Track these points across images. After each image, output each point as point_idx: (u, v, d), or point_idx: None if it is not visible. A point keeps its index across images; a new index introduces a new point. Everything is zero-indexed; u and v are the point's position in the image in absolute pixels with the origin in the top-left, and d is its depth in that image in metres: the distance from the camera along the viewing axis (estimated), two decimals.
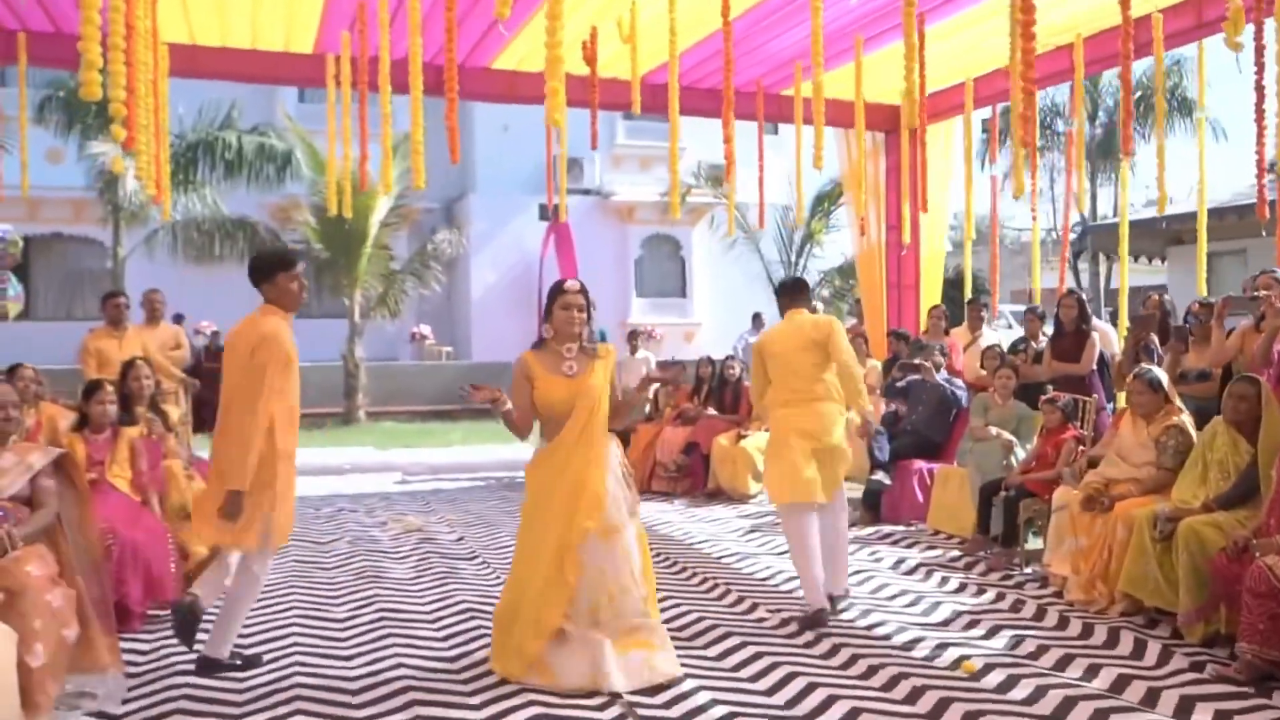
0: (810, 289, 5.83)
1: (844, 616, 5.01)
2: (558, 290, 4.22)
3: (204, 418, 15.18)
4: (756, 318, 14.66)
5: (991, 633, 4.74)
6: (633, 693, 3.86)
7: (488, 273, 20.68)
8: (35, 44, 7.90)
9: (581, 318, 4.15)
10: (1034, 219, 7.98)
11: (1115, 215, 18.89)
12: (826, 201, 17.52)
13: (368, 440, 13.89)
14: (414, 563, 6.28)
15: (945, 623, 4.93)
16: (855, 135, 10.85)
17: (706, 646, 4.54)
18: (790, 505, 4.97)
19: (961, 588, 5.60)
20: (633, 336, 11.59)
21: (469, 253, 19.64)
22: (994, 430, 6.90)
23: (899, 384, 8.06)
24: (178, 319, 14.10)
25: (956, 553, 6.49)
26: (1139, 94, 20.68)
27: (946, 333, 8.72)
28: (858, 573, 5.94)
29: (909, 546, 6.73)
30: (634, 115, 9.72)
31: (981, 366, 8.34)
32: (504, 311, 20.36)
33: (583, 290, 4.22)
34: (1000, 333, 9.32)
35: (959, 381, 7.83)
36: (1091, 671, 4.19)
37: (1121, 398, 6.69)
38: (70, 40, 4.65)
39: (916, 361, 7.74)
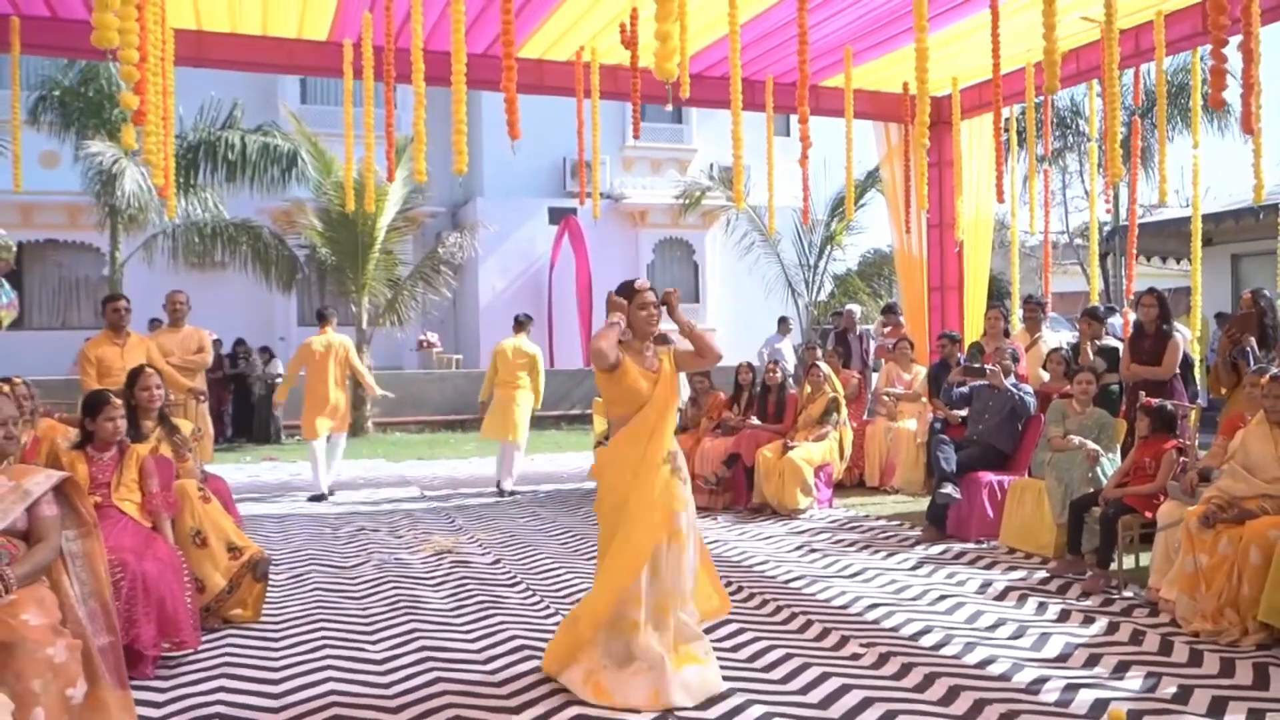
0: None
1: (946, 651, 4.45)
2: (632, 290, 4.15)
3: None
4: (783, 322, 14.10)
5: (1120, 671, 4.18)
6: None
7: (496, 278, 20.10)
8: (30, 29, 7.33)
9: (657, 314, 4.16)
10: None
11: (1143, 216, 18.35)
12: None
13: (378, 453, 13.35)
14: (451, 589, 5.69)
15: (1063, 658, 4.36)
16: (895, 128, 10.43)
17: (804, 691, 3.97)
18: None
19: (1064, 615, 5.03)
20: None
21: (477, 258, 19.07)
22: (1077, 440, 6.34)
23: (960, 389, 7.49)
24: None
25: (1043, 574, 5.93)
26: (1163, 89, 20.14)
27: (1006, 334, 8.17)
28: (942, 598, 5.39)
29: (988, 567, 6.17)
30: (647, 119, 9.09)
31: (1044, 368, 7.83)
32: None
33: (654, 290, 4.22)
34: (1061, 334, 8.80)
35: (1027, 387, 7.27)
36: (1256, 718, 3.64)
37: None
38: (67, 26, 4.13)
39: (985, 366, 7.17)
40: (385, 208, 15.07)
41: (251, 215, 16.08)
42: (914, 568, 6.16)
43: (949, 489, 6.83)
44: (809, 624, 4.90)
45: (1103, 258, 20.95)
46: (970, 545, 6.77)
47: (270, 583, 5.72)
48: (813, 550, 6.72)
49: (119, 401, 4.55)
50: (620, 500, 3.97)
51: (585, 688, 3.86)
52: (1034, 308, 8.33)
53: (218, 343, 15.39)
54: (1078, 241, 25.23)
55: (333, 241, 15.25)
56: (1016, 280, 9.40)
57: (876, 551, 6.63)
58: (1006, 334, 8.17)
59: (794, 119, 20.42)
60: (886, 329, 11.66)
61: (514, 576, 6.01)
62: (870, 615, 5.07)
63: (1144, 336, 6.93)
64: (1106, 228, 21.34)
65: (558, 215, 20.03)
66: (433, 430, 16.05)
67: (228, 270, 16.46)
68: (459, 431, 15.83)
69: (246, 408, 15.00)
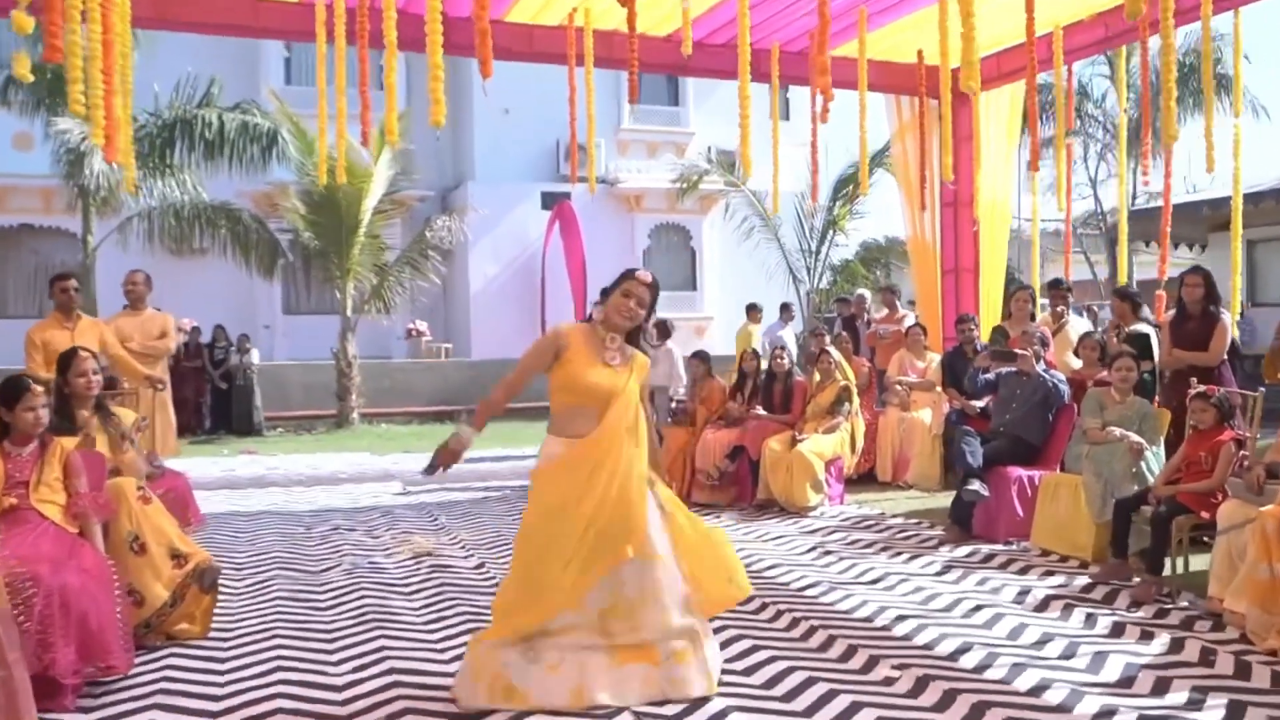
0: None
1: (991, 675, 3.88)
2: (627, 274, 3.71)
3: (184, 420, 14.15)
4: (785, 309, 13.51)
5: (1197, 702, 3.60)
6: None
7: (488, 265, 19.48)
8: None
9: (639, 312, 3.66)
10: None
11: (1151, 201, 17.84)
12: (852, 185, 16.34)
13: (362, 445, 12.76)
14: (427, 599, 5.11)
15: (1126, 682, 3.79)
16: (908, 102, 9.86)
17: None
18: None
19: (1118, 630, 4.46)
20: (660, 327, 10.40)
21: (467, 244, 18.45)
22: (1118, 432, 5.77)
23: (986, 376, 6.91)
24: None
25: (1084, 579, 5.36)
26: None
27: (1032, 318, 7.60)
28: (977, 608, 4.82)
29: (1022, 572, 5.60)
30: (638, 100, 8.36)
31: (1075, 354, 7.29)
32: (505, 306, 19.19)
33: (653, 286, 3.70)
34: (1084, 320, 8.27)
35: (1059, 374, 6.70)
36: None
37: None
38: None
39: (1015, 350, 6.60)
40: (370, 189, 14.45)
41: (232, 198, 15.43)
42: (940, 573, 5.59)
43: (976, 486, 6.24)
44: (831, 640, 4.33)
45: (1112, 244, 20.44)
46: (999, 546, 6.20)
47: (229, 590, 5.20)
48: (827, 552, 6.15)
49: (40, 389, 3.95)
50: (559, 503, 3.51)
51: (496, 695, 3.45)
52: (1061, 292, 7.77)
53: (195, 331, 14.80)
54: (1081, 230, 24.72)
55: (315, 225, 14.62)
56: (1037, 264, 8.84)
57: (897, 554, 6.06)
58: (1033, 318, 7.60)
59: (792, 101, 19.86)
60: (880, 314, 11.10)
61: (498, 583, 5.41)
62: (899, 629, 4.50)
63: (1188, 319, 6.36)
64: (1113, 214, 20.78)
65: (551, 200, 19.42)
66: (421, 421, 15.47)
67: (208, 256, 15.79)
68: (448, 423, 15.21)
69: (225, 398, 14.38)
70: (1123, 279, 8.18)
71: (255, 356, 14.65)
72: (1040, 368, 6.61)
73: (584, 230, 18.47)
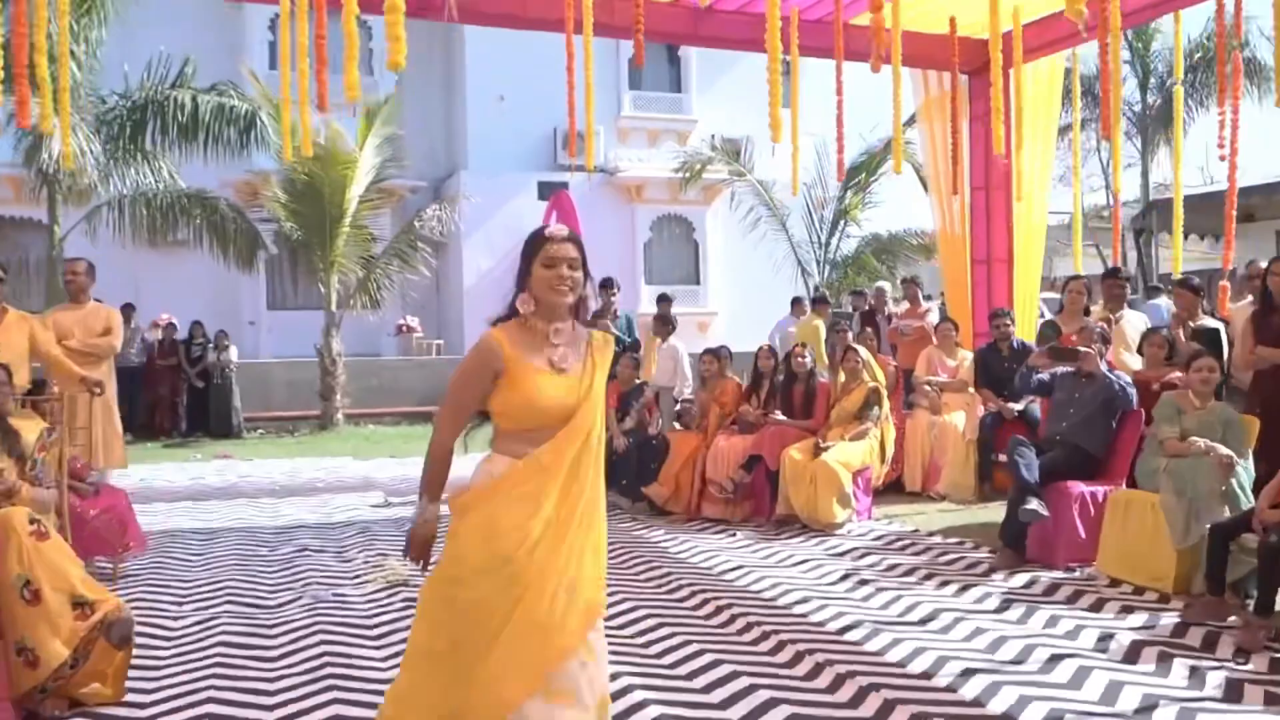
0: None
1: None
2: (539, 241, 2.65)
3: (159, 423, 13.34)
4: (796, 302, 12.69)
5: None
6: None
7: (482, 258, 18.63)
8: None
9: (575, 276, 2.63)
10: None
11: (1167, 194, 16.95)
12: (864, 173, 15.53)
13: (346, 448, 11.96)
14: (397, 647, 4.27)
15: None
16: (935, 77, 9.08)
17: None
18: None
19: (1234, 691, 3.65)
20: (662, 321, 9.59)
21: (461, 236, 17.62)
22: (1203, 443, 4.97)
23: (1040, 377, 6.10)
24: (126, 310, 12.12)
25: (1171, 617, 4.56)
26: (1198, 55, 18.84)
27: (1087, 312, 6.79)
28: (1054, 658, 4.01)
29: (1094, 608, 4.78)
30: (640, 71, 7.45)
31: (1139, 352, 6.49)
32: (500, 301, 18.07)
33: (573, 239, 2.66)
34: (1141, 315, 7.45)
35: (1125, 376, 5.88)
36: None
37: None
38: None
39: (1079, 348, 5.78)
40: (355, 177, 13.64)
41: (214, 187, 14.57)
42: (999, 609, 4.78)
43: (1035, 505, 5.42)
44: (889, 707, 3.52)
45: (1138, 234, 19.62)
46: (1060, 574, 5.39)
47: (163, 633, 4.42)
48: (862, 582, 5.33)
49: None
50: (478, 570, 2.49)
51: None
52: (1118, 283, 6.96)
53: (171, 327, 13.98)
54: (1095, 223, 23.87)
55: (297, 214, 13.81)
56: (1079, 252, 8.01)
57: (944, 583, 5.26)
58: (1087, 312, 6.79)
59: (800, 88, 19.04)
60: (902, 309, 10.34)
61: None
62: (967, 689, 3.69)
63: (1273, 312, 5.56)
64: (1138, 204, 19.96)
65: (548, 190, 18.59)
66: (410, 422, 14.65)
67: (189, 248, 14.93)
68: None
69: (203, 398, 13.56)
70: (1177, 269, 7.36)
71: (234, 354, 13.83)
72: (1103, 367, 5.80)
73: (583, 221, 17.58)
